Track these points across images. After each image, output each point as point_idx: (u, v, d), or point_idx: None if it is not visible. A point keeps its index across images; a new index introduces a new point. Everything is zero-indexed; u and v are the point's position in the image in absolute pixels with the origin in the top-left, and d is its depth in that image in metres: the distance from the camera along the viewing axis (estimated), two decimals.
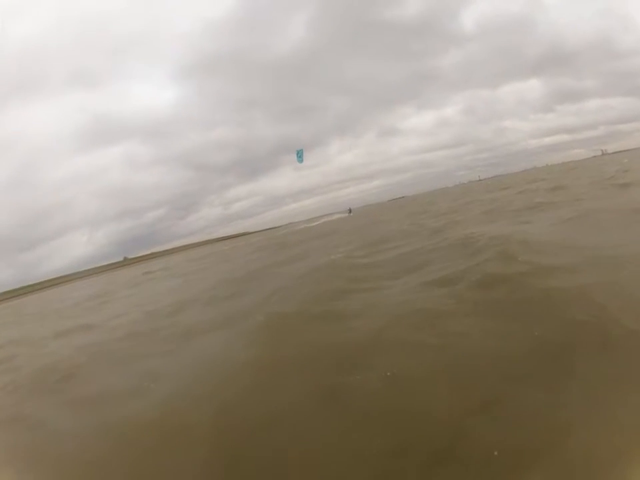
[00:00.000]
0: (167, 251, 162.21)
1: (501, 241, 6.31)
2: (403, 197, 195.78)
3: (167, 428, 3.15)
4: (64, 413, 4.05)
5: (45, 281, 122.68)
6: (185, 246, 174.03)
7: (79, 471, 2.98)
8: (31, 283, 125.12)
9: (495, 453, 2.20)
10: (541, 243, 5.79)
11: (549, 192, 15.69)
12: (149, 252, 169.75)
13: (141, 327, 7.13)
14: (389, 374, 3.12)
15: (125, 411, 3.62)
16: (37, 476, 3.11)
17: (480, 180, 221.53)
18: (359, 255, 8.96)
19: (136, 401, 3.78)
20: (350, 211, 79.64)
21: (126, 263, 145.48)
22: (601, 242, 5.39)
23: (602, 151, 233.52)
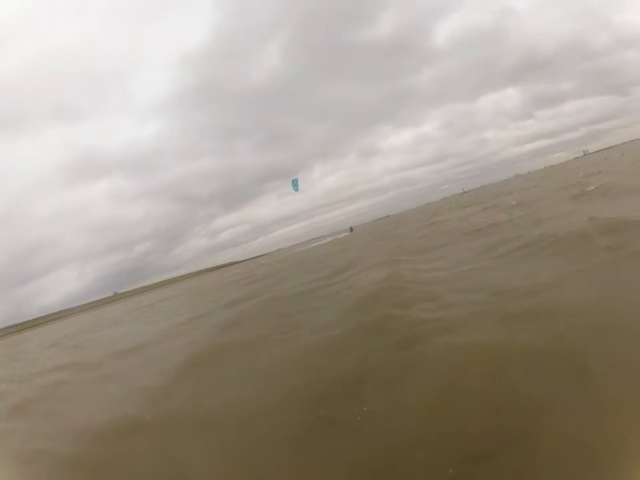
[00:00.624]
0: (155, 284, 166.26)
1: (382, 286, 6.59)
2: (387, 216, 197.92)
3: None
4: None
5: (37, 318, 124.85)
6: (172, 279, 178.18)
7: None
8: (22, 320, 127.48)
9: None
10: (425, 293, 5.57)
11: (504, 210, 15.44)
12: (138, 286, 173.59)
13: None
14: None
15: None
16: None
17: (464, 192, 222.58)
18: None
19: None
20: (352, 229, 78.62)
21: (116, 297, 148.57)
22: (504, 282, 5.17)
23: (584, 151, 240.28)
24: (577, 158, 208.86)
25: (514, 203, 17.51)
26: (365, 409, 3.14)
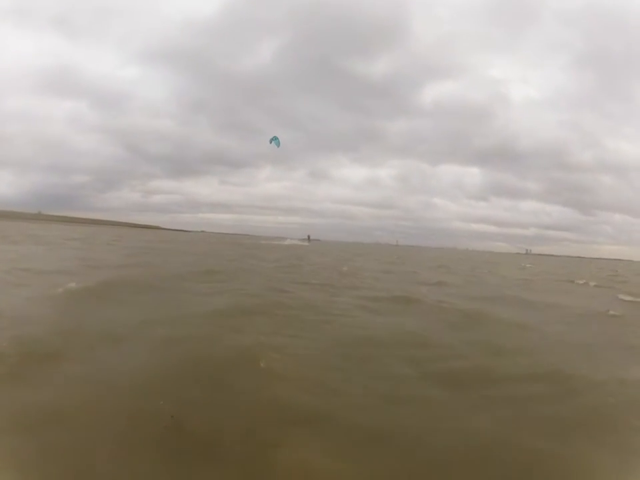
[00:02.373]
0: (81, 219, 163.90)
1: None
2: (318, 240, 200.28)
3: None
4: None
5: None
6: (98, 220, 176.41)
7: None
8: None
9: None
10: None
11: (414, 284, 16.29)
12: (63, 214, 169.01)
13: None
14: None
15: None
16: None
17: (397, 245, 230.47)
18: None
19: None
20: (309, 238, 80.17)
21: (39, 217, 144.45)
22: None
23: (527, 250, 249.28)
24: (518, 254, 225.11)
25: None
26: None
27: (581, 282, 23.10)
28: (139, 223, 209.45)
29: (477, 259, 58.94)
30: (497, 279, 22.96)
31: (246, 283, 12.65)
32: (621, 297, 15.34)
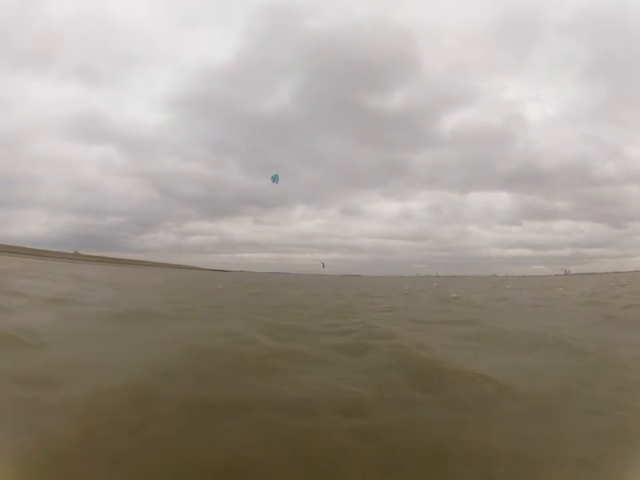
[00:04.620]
0: (119, 259, 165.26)
1: None
2: (359, 275, 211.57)
3: None
4: None
5: None
6: (135, 261, 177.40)
7: None
8: None
9: None
10: None
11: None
12: (99, 254, 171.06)
13: None
14: None
15: None
16: None
17: (437, 276, 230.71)
18: None
19: None
20: (323, 265, 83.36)
21: (76, 257, 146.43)
22: None
23: (565, 270, 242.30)
24: (557, 275, 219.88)
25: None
26: None
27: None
28: (177, 264, 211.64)
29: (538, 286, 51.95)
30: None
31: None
32: None
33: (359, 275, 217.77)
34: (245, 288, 33.87)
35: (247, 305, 17.93)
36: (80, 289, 20.18)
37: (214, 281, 48.38)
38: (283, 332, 9.39)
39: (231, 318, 12.33)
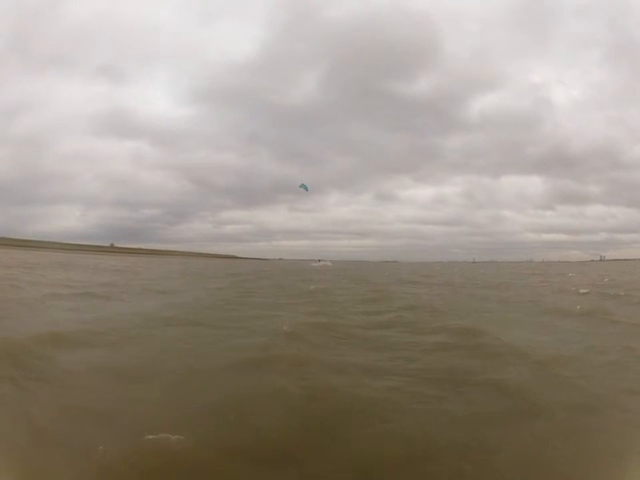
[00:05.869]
0: (155, 250, 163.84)
1: None
2: (395, 262, 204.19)
3: None
4: None
5: (30, 241, 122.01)
6: (171, 251, 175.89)
7: None
8: (14, 237, 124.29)
9: None
10: None
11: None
12: (135, 246, 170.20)
13: None
14: None
15: None
16: None
17: (474, 262, 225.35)
18: None
19: None
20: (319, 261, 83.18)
21: (113, 249, 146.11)
22: None
23: (600, 256, 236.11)
24: (592, 261, 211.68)
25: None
26: None
27: None
28: (214, 253, 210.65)
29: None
30: None
31: None
32: None
33: (396, 261, 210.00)
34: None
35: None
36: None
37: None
38: None
39: None
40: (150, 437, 3.60)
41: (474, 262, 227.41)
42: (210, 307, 12.66)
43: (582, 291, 19.38)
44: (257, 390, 5.02)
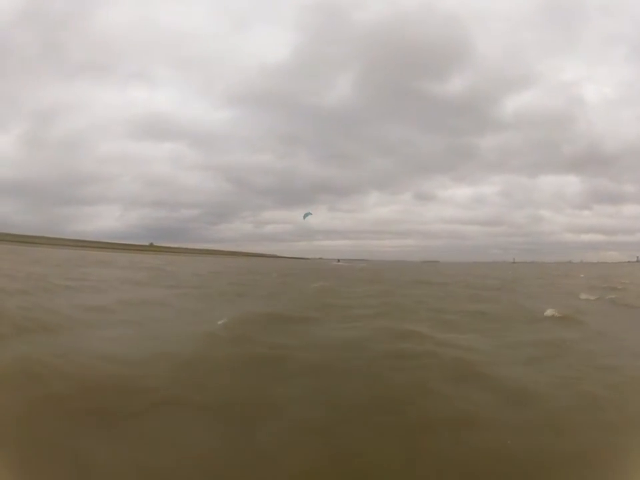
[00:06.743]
0: (194, 250, 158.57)
1: None
2: (436, 262, 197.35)
3: None
4: None
5: (69, 240, 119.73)
6: (211, 250, 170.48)
7: None
8: (53, 236, 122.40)
9: None
10: None
11: None
12: (175, 245, 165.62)
13: None
14: None
15: None
16: None
17: (514, 262, 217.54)
18: None
19: None
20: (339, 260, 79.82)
21: (152, 248, 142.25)
22: None
23: (637, 257, 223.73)
24: (629, 262, 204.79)
25: None
26: None
27: None
28: (255, 252, 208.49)
29: None
30: None
31: None
32: None
33: (437, 261, 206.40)
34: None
35: None
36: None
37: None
38: None
39: None
40: None
41: (514, 262, 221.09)
42: None
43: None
44: None
